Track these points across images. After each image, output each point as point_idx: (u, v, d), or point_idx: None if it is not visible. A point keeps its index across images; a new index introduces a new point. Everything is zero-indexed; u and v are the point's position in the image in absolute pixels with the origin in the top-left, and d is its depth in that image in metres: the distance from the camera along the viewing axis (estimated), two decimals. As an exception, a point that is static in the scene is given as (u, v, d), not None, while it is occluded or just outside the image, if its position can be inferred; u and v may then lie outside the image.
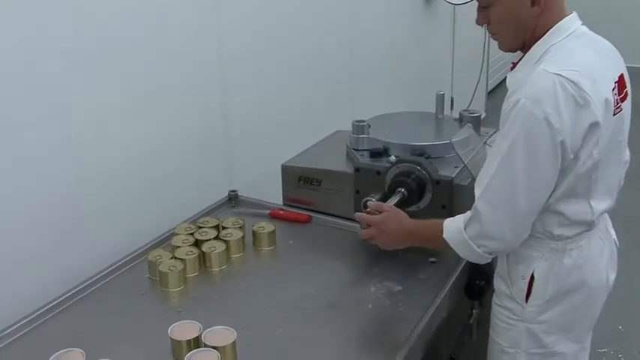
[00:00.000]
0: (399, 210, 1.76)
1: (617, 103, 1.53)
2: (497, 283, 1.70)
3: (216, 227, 2.01)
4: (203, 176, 2.35)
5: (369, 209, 1.76)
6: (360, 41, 3.42)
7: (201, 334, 1.49)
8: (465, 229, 1.53)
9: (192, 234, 1.97)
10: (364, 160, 2.06)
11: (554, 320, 1.62)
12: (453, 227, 1.57)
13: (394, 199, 1.86)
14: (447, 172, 1.93)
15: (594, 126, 1.45)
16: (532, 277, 1.59)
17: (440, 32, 4.90)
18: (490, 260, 1.61)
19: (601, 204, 1.59)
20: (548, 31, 1.52)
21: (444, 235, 1.57)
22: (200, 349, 1.46)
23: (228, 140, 2.49)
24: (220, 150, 2.47)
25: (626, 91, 1.60)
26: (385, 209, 1.74)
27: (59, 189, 1.81)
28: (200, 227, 2.00)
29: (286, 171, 2.23)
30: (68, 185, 1.84)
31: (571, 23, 1.54)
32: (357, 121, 2.19)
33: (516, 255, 1.62)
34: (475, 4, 1.58)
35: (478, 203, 1.50)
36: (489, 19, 1.56)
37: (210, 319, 1.55)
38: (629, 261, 3.67)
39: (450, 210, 1.90)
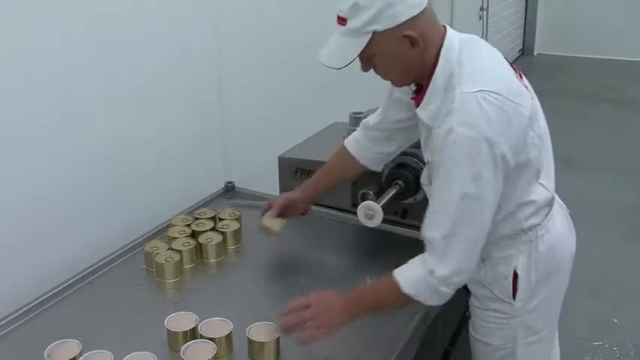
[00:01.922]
0: (324, 292, 1.54)
1: (527, 87, 1.55)
2: (475, 288, 1.67)
3: (213, 219, 2.01)
4: (200, 167, 2.35)
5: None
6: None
7: (197, 325, 1.50)
8: (432, 273, 1.43)
9: (188, 225, 1.97)
10: (361, 152, 2.06)
11: (541, 305, 1.63)
12: (412, 277, 1.46)
13: (391, 191, 1.87)
14: (445, 164, 1.92)
15: (531, 120, 1.47)
16: (515, 275, 1.58)
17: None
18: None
19: (549, 178, 1.61)
20: (437, 56, 1.48)
21: (405, 290, 1.45)
22: (196, 340, 1.46)
23: (225, 132, 2.48)
24: (217, 141, 2.46)
25: (519, 71, 1.60)
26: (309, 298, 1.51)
27: (58, 180, 1.81)
28: (197, 219, 2.00)
29: (283, 162, 2.23)
30: (66, 176, 1.84)
31: (452, 37, 1.51)
32: (354, 113, 2.18)
33: (493, 258, 1.60)
34: None
35: (446, 242, 1.42)
36: (375, 66, 1.52)
37: (206, 311, 1.55)
38: (623, 254, 3.70)
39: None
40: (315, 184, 1.93)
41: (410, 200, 1.93)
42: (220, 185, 2.32)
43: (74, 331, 1.51)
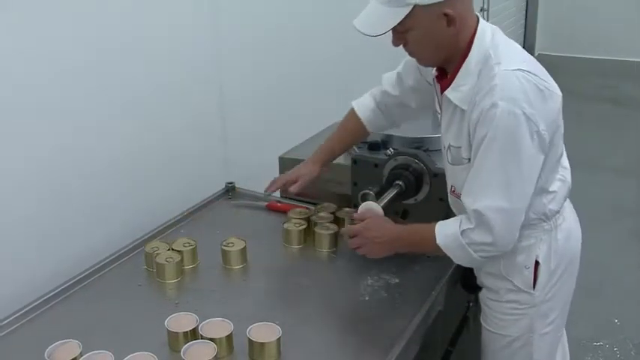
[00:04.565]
0: (382, 216, 1.74)
1: None
2: (492, 281, 1.69)
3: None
4: (200, 168, 2.35)
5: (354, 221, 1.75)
6: (356, 34, 3.41)
7: (198, 325, 1.50)
8: (464, 235, 1.51)
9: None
10: (362, 152, 2.06)
11: (556, 294, 1.67)
12: (447, 232, 1.55)
13: (392, 192, 1.87)
14: (445, 164, 1.93)
15: (560, 103, 1.54)
16: (536, 263, 1.62)
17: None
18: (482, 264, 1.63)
19: (567, 165, 1.67)
20: (471, 41, 1.52)
21: (438, 242, 1.56)
22: (197, 340, 1.46)
23: (225, 132, 2.48)
24: (218, 142, 2.46)
25: None
26: (367, 217, 1.72)
27: (58, 181, 1.81)
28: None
29: (283, 163, 2.23)
30: (67, 177, 1.84)
31: (485, 24, 1.56)
32: (354, 114, 2.18)
33: (514, 249, 1.61)
34: None
35: (480, 212, 1.48)
36: (407, 41, 1.54)
37: (207, 311, 1.55)
38: (623, 253, 3.69)
39: (447, 203, 1.90)
40: (331, 153, 2.00)
41: (410, 201, 1.94)
42: (221, 186, 2.32)
43: (74, 332, 1.50)
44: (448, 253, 1.57)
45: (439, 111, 1.68)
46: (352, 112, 1.96)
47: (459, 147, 1.56)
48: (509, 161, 1.45)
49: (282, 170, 2.23)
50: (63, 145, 1.81)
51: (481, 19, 1.55)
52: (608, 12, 7.68)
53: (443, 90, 1.59)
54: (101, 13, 1.87)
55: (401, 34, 1.51)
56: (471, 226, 1.50)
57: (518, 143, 1.43)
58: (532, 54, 8.55)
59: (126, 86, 1.99)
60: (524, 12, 8.31)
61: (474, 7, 1.54)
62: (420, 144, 2.01)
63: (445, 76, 1.60)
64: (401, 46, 1.56)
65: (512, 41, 1.58)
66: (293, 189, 1.92)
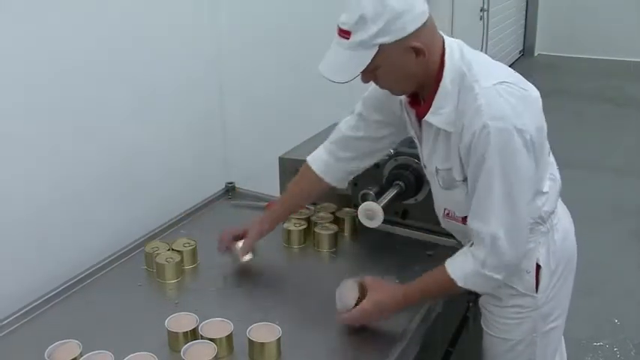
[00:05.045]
0: (380, 280, 1.64)
1: None
2: (494, 290, 1.68)
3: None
4: (200, 168, 2.35)
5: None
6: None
7: (198, 325, 1.50)
8: (484, 266, 1.48)
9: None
10: (362, 152, 2.05)
11: (557, 293, 1.67)
12: (467, 272, 1.51)
13: (392, 192, 1.87)
14: (445, 165, 1.92)
15: (540, 103, 1.52)
16: (538, 267, 1.61)
17: (438, 25, 4.89)
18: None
19: (552, 157, 1.66)
20: (442, 61, 1.48)
21: (460, 284, 1.51)
22: (197, 340, 1.46)
23: (225, 132, 2.48)
24: (218, 142, 2.46)
25: None
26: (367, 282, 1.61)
27: (58, 181, 1.81)
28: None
29: (283, 163, 2.22)
30: (67, 177, 1.84)
31: (451, 42, 1.53)
32: (354, 114, 2.17)
33: None
34: None
35: (493, 235, 1.46)
36: (376, 77, 1.50)
37: (207, 311, 1.55)
38: (623, 253, 3.70)
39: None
40: (283, 214, 1.90)
41: (410, 201, 1.94)
42: (221, 186, 2.32)
43: (74, 332, 1.51)
44: (475, 290, 1.57)
45: (415, 136, 1.66)
46: (307, 168, 1.83)
47: (449, 169, 1.54)
48: (512, 178, 1.44)
49: (282, 170, 2.23)
50: (63, 145, 1.81)
51: (445, 37, 1.52)
52: (608, 12, 7.70)
53: (420, 115, 1.56)
54: (101, 14, 1.87)
55: (370, 72, 1.47)
56: (484, 253, 1.47)
57: (516, 159, 1.43)
58: (532, 54, 8.51)
59: (126, 86, 1.99)
60: (524, 12, 8.32)
61: (437, 29, 1.50)
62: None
63: (418, 100, 1.57)
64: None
65: (480, 52, 1.57)
66: (241, 253, 1.78)
